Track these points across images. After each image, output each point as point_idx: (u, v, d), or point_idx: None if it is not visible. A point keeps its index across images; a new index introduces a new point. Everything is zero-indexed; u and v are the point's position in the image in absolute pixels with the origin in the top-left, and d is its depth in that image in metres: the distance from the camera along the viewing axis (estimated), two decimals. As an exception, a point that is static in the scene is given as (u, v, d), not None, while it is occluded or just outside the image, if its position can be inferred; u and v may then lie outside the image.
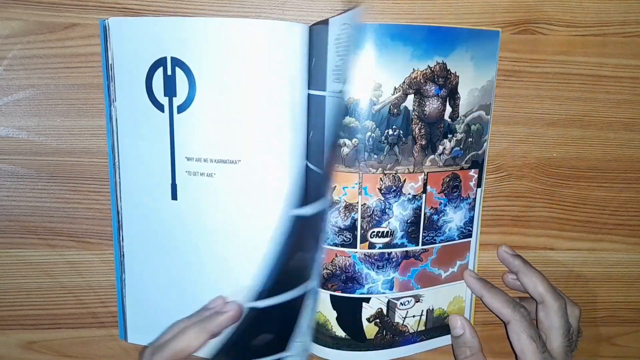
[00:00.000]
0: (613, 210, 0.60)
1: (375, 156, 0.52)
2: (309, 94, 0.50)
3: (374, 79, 0.51)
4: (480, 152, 0.56)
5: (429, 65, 0.52)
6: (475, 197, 0.57)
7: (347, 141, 0.52)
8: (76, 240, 0.57)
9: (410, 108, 0.52)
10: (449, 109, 0.53)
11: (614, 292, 0.62)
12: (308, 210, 0.51)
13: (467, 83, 0.53)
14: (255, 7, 0.53)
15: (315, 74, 0.49)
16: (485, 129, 0.56)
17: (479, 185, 0.57)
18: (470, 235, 0.58)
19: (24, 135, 0.54)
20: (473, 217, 0.58)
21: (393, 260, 0.55)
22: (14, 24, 0.52)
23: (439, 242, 0.57)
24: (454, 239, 0.57)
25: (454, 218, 0.57)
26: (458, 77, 0.53)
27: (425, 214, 0.55)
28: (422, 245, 0.56)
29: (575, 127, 0.58)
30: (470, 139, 0.55)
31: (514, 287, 0.58)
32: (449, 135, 0.54)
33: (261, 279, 0.51)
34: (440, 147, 0.54)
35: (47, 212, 0.56)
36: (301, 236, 0.51)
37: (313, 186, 0.51)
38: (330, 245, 0.54)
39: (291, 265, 0.51)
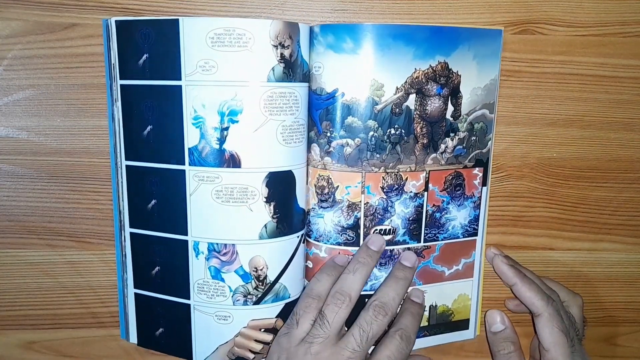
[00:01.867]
0: (613, 210, 0.60)
1: (378, 155, 0.52)
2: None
3: (376, 78, 0.51)
4: (484, 150, 0.56)
5: (430, 65, 0.52)
6: (480, 196, 0.57)
7: (349, 141, 0.52)
8: (76, 240, 0.57)
9: (412, 107, 0.52)
10: (451, 108, 0.54)
11: (614, 292, 0.62)
12: None
13: (469, 82, 0.54)
14: (255, 7, 0.53)
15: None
16: (489, 128, 0.56)
17: (484, 184, 0.57)
18: (476, 234, 0.58)
19: (24, 135, 0.54)
20: (478, 215, 0.58)
21: (395, 257, 0.55)
22: (14, 24, 0.52)
23: (442, 240, 0.57)
24: (458, 237, 0.57)
25: (457, 216, 0.57)
26: (460, 76, 0.53)
27: (427, 211, 0.55)
28: (424, 242, 0.56)
29: (575, 127, 0.58)
30: (473, 138, 0.55)
31: (519, 311, 0.59)
32: (451, 134, 0.54)
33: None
34: (442, 146, 0.54)
35: (47, 212, 0.56)
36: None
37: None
38: (334, 244, 0.54)
39: None
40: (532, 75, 0.56)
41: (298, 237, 0.54)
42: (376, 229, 0.54)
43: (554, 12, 0.55)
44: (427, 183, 0.55)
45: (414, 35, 0.51)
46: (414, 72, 0.51)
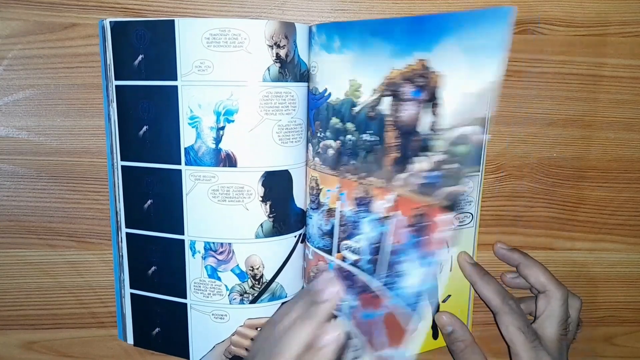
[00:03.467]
0: (613, 210, 0.60)
1: (353, 162, 0.50)
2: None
3: (355, 78, 0.49)
4: (460, 188, 0.46)
5: (409, 64, 0.46)
6: (442, 263, 0.51)
7: (332, 142, 0.51)
8: (76, 240, 0.57)
9: (388, 112, 0.48)
10: (431, 119, 0.46)
11: (614, 292, 0.61)
12: None
13: (456, 84, 0.44)
14: (255, 7, 0.53)
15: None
16: (474, 158, 0.49)
17: (453, 243, 0.51)
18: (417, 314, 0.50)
19: (24, 135, 0.54)
20: (436, 290, 0.52)
21: (356, 286, 0.52)
22: (14, 24, 0.52)
23: (392, 303, 0.51)
24: (403, 308, 0.50)
25: (416, 272, 0.49)
26: (441, 76, 0.45)
27: (388, 245, 0.50)
28: (384, 284, 0.51)
29: (575, 127, 0.57)
30: (453, 165, 0.46)
31: (514, 285, 0.58)
32: (427, 153, 0.46)
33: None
34: (416, 165, 0.47)
35: (47, 212, 0.56)
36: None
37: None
38: (316, 247, 0.54)
39: None
40: (532, 75, 0.56)
41: (295, 236, 0.54)
42: (346, 244, 0.52)
43: (554, 12, 0.55)
44: (395, 207, 0.49)
45: (392, 29, 0.46)
46: (390, 73, 0.47)
